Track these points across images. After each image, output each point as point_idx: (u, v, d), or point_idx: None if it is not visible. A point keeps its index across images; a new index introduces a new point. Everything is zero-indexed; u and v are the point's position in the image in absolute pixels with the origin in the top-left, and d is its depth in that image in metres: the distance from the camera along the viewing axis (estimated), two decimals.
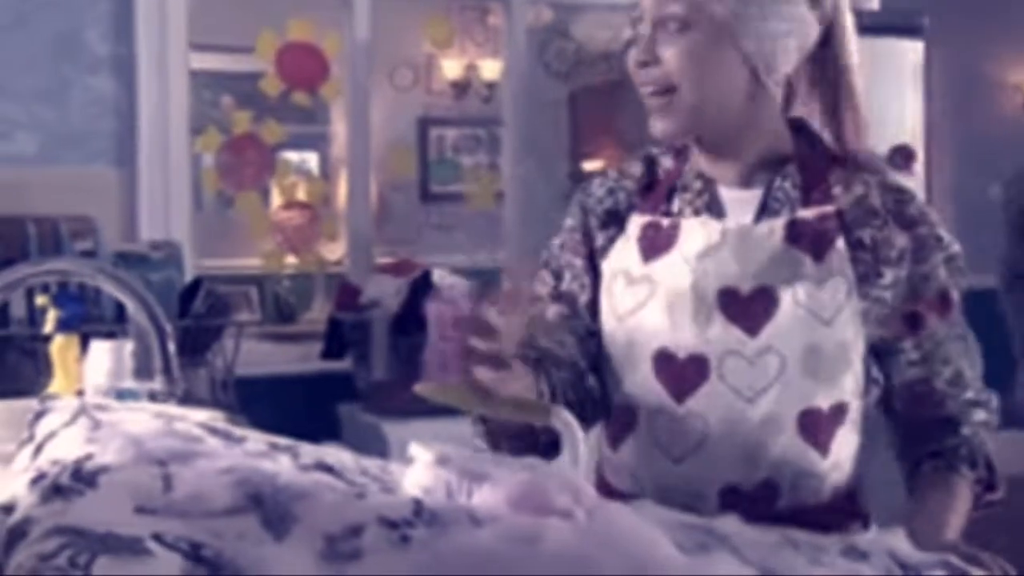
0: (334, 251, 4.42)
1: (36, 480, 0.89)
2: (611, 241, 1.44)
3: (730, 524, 1.10)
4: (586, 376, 1.43)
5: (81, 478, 0.89)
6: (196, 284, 2.86)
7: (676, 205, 1.42)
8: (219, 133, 3.92)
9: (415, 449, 1.06)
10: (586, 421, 1.36)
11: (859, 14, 1.46)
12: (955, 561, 1.11)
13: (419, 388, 1.21)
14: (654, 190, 1.44)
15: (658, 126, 1.38)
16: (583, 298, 1.45)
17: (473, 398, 1.22)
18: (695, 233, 1.38)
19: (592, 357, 1.44)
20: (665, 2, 1.33)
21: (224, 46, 4.68)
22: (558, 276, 1.48)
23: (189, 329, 2.56)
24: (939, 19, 4.25)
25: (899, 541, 1.14)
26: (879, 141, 3.71)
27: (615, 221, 1.45)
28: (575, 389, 1.40)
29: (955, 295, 1.40)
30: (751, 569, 0.99)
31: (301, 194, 4.32)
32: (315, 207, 4.34)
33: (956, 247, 1.40)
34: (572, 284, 1.46)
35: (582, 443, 1.25)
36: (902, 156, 4.08)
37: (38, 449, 0.98)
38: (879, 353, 1.40)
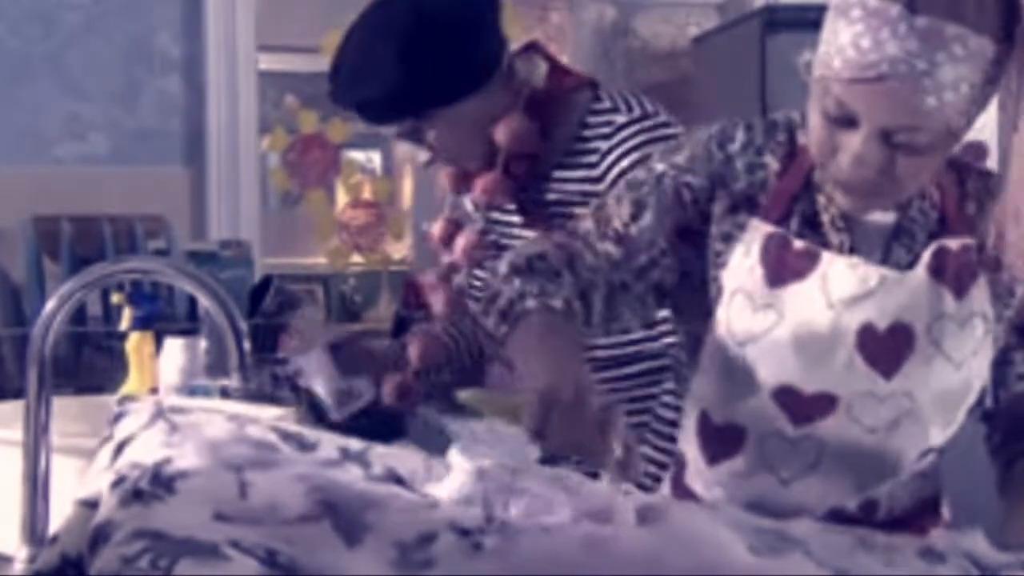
0: (399, 249, 4.45)
1: (116, 483, 0.91)
2: (737, 229, 1.28)
3: (804, 527, 1.09)
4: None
5: (160, 483, 0.90)
6: (265, 282, 2.88)
7: (804, 208, 1.28)
8: (286, 133, 3.96)
9: (454, 456, 1.05)
10: None
11: None
12: None
13: (463, 396, 1.19)
14: (788, 176, 1.28)
15: (854, 206, 1.26)
16: (643, 258, 1.30)
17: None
18: (844, 276, 1.25)
19: (617, 316, 1.32)
20: (896, 118, 1.15)
21: (290, 47, 4.71)
22: (636, 215, 1.31)
23: (259, 327, 2.58)
24: None
25: (977, 542, 1.11)
26: None
27: (747, 207, 1.28)
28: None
29: None
30: (825, 571, 0.99)
31: (366, 193, 4.35)
32: (380, 206, 4.36)
33: None
34: (644, 235, 1.30)
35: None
36: (974, 152, 4.00)
37: (118, 450, 1.00)
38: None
